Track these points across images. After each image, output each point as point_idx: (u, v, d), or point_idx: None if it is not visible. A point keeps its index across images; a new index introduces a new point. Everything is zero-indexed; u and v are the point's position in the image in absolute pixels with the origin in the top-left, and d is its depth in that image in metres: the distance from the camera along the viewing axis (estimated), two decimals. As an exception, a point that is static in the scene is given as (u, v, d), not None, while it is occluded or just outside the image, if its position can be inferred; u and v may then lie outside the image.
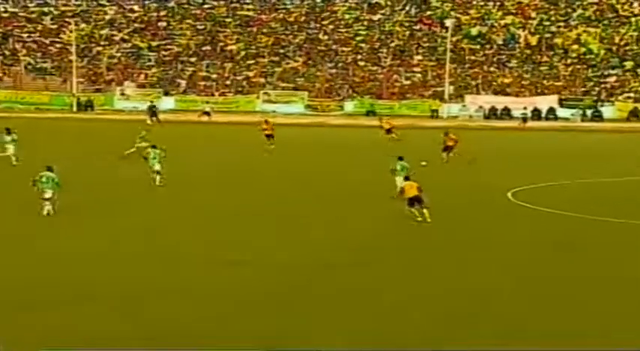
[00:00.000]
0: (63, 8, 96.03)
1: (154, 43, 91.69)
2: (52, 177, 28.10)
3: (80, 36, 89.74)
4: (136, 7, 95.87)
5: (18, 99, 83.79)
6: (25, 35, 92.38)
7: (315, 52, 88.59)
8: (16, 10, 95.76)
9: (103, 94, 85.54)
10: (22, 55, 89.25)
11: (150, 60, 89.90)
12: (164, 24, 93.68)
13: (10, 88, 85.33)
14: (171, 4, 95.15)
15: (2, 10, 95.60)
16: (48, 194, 28.04)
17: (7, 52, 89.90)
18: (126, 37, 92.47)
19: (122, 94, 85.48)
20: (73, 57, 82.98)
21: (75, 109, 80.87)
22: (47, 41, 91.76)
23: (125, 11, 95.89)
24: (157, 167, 35.26)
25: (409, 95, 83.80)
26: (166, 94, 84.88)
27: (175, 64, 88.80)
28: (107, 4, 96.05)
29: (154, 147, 36.37)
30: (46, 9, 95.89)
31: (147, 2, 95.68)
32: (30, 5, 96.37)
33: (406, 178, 29.65)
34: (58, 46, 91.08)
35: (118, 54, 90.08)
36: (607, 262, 23.89)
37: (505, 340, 17.05)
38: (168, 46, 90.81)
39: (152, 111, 69.80)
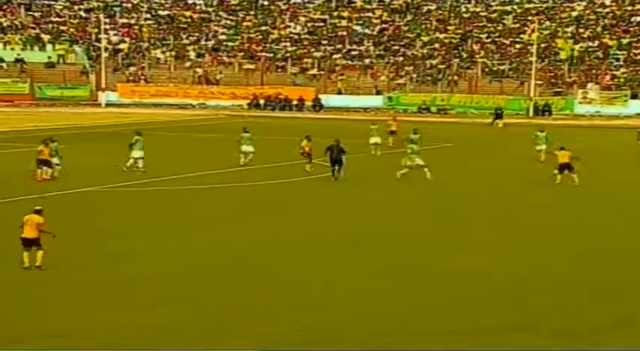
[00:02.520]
0: (527, 6, 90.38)
1: (624, 41, 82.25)
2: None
3: (542, 35, 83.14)
4: (607, 2, 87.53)
5: (472, 103, 78.99)
6: (484, 36, 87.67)
7: None
8: (478, 9, 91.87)
9: (562, 98, 77.77)
10: (479, 57, 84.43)
11: (618, 59, 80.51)
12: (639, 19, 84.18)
13: (464, 92, 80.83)
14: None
15: (464, 10, 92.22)
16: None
17: (464, 54, 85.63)
18: (591, 34, 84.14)
19: (584, 98, 76.98)
20: (533, 58, 76.29)
21: (531, 113, 74.00)
22: (507, 42, 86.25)
23: (595, 6, 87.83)
24: None
25: None
26: (634, 96, 75.11)
27: (648, 64, 78.69)
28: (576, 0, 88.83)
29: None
30: (509, 7, 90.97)
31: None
32: (493, 4, 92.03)
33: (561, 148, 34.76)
34: (517, 46, 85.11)
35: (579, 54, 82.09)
36: None
37: None
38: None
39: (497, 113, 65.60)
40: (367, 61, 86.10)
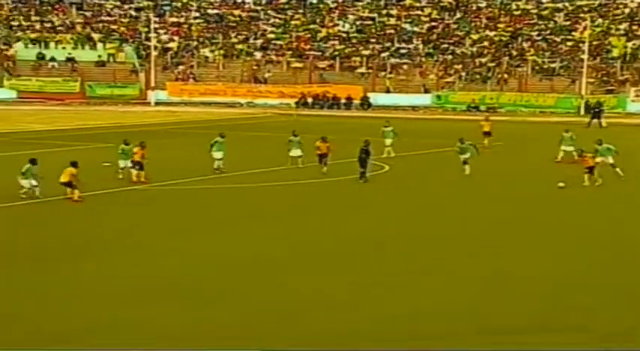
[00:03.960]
0: (579, 3, 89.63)
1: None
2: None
3: (594, 32, 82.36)
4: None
5: (522, 102, 78.50)
6: (535, 33, 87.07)
7: None
8: (529, 7, 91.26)
9: (614, 96, 76.96)
10: (529, 54, 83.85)
11: (673, 56, 79.71)
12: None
13: (514, 90, 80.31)
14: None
15: (514, 7, 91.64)
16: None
17: (514, 52, 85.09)
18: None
19: (637, 96, 76.09)
20: (585, 56, 75.62)
21: (582, 112, 73.34)
22: (558, 39, 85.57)
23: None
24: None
25: None
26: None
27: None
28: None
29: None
30: (560, 5, 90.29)
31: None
32: (544, 1, 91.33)
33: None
34: (569, 44, 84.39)
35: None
36: None
37: None
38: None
39: (595, 111, 63.76)
40: (416, 59, 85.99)
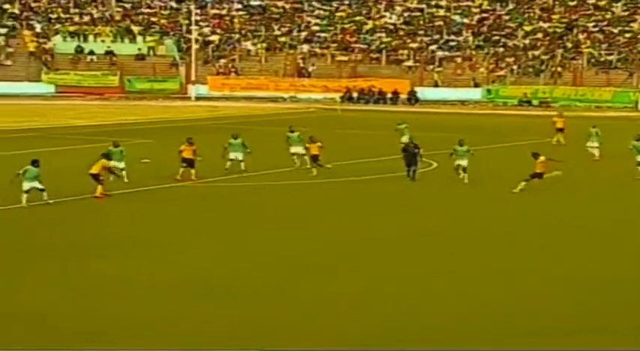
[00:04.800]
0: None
1: None
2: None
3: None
4: None
5: (577, 96, 78.29)
6: (591, 24, 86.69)
7: None
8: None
9: (674, 90, 76.53)
10: (585, 47, 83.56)
11: None
12: None
13: (568, 84, 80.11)
14: None
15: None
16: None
17: (569, 44, 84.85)
18: None
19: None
20: (644, 47, 75.32)
21: (640, 107, 73.10)
22: (615, 31, 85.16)
23: None
24: None
25: None
26: None
27: None
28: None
29: None
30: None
31: None
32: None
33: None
34: (627, 35, 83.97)
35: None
36: None
37: None
38: None
39: None
40: (466, 52, 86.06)
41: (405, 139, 41.84)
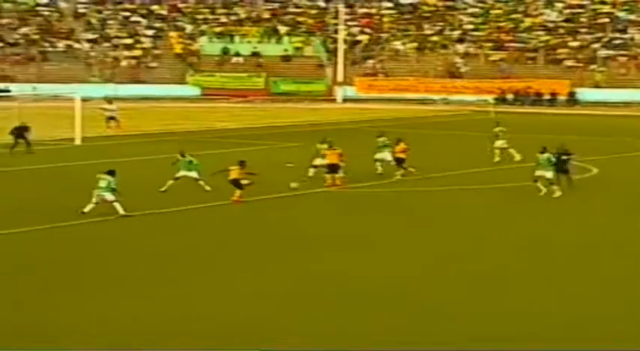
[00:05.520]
0: None
1: None
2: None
3: None
4: None
5: None
6: None
7: None
8: None
9: None
10: None
11: None
12: None
13: None
14: None
15: None
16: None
17: None
18: None
19: None
20: None
21: None
22: None
23: None
24: None
25: None
26: None
27: None
28: None
29: None
30: None
31: None
32: None
33: None
34: None
35: None
36: None
37: None
38: None
39: None
40: (631, 50, 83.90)
41: (498, 144, 41.29)
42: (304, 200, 32.17)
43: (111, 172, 28.53)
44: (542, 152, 32.76)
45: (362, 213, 29.86)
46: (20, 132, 44.30)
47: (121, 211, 28.00)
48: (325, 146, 35.33)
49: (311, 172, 35.52)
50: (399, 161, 36.64)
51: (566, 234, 26.70)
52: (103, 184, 28.17)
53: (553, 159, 32.60)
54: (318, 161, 35.60)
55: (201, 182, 32.53)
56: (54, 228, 26.83)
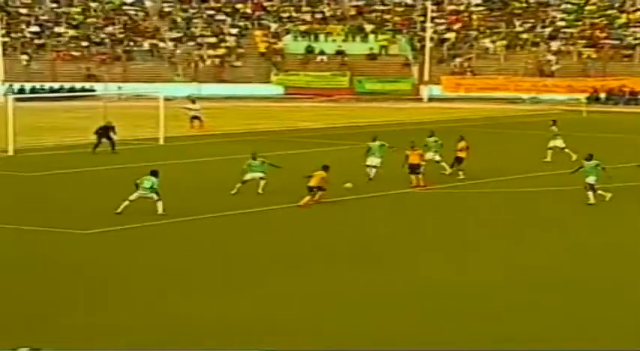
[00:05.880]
0: None
1: None
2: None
3: None
4: None
5: None
6: None
7: None
8: None
9: None
10: None
11: None
12: None
13: None
14: None
15: None
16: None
17: None
18: None
19: None
20: None
21: None
22: None
23: None
24: None
25: None
26: None
27: None
28: None
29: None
30: None
31: None
32: None
33: None
34: None
35: None
36: None
37: None
38: None
39: None
40: None
41: (555, 143, 41.01)
42: (396, 200, 32.38)
43: (154, 173, 29.62)
44: (588, 159, 32.07)
45: (447, 215, 29.99)
46: (105, 131, 45.11)
47: (160, 210, 29.08)
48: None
49: (371, 173, 35.84)
50: (459, 161, 36.54)
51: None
52: (147, 184, 29.26)
53: (597, 165, 31.72)
54: (369, 161, 35.98)
55: (262, 182, 32.66)
56: (134, 228, 27.58)
